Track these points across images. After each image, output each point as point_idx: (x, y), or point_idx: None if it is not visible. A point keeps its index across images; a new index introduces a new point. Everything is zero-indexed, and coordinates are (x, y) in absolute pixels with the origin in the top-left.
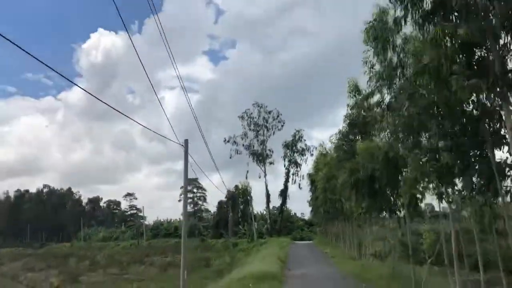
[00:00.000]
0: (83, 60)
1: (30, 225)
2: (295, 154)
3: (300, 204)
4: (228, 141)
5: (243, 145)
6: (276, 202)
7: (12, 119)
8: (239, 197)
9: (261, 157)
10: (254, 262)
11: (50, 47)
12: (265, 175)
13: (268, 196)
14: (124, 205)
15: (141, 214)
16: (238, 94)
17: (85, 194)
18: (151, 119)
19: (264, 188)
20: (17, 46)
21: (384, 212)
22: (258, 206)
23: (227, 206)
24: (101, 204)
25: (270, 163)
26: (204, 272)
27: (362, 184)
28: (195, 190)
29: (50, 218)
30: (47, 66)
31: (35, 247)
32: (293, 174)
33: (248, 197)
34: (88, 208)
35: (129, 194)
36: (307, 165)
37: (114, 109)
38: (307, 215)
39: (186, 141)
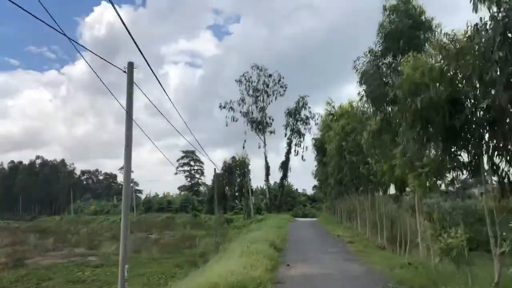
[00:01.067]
0: (86, 33)
1: (23, 197)
2: (298, 123)
3: (302, 180)
4: (224, 107)
5: (240, 112)
6: (276, 176)
7: (16, 93)
8: (236, 170)
9: (260, 126)
10: (235, 253)
11: (52, 20)
12: (265, 145)
13: (267, 168)
14: (121, 178)
15: (137, 187)
16: (242, 69)
17: (86, 168)
18: (155, 94)
19: (263, 160)
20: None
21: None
22: (257, 181)
23: (223, 179)
24: (99, 177)
25: (271, 132)
26: (178, 258)
27: (436, 113)
28: (192, 163)
29: (42, 190)
30: None
31: (25, 220)
32: (295, 145)
33: (246, 170)
34: (82, 180)
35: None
36: (311, 134)
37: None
38: (309, 191)
39: (131, 64)
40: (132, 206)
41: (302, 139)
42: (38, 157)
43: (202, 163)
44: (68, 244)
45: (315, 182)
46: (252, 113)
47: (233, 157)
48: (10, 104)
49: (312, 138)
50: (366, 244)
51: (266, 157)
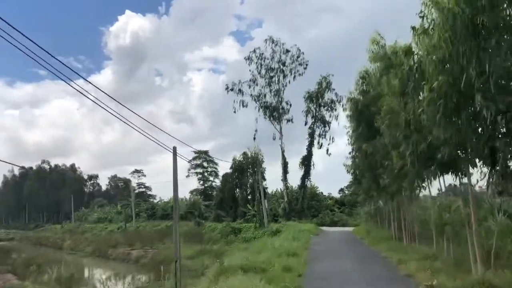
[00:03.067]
0: (111, 43)
1: (31, 204)
2: (322, 109)
3: (325, 183)
4: (232, 89)
5: (251, 95)
6: (295, 176)
7: (44, 102)
8: (248, 168)
9: (275, 112)
10: None
11: (79, 31)
12: (281, 135)
13: (285, 164)
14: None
15: (150, 192)
16: None
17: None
18: (179, 100)
19: (280, 155)
20: None
21: None
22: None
23: (233, 180)
24: (110, 182)
25: (288, 120)
26: None
27: None
28: (205, 164)
29: (49, 197)
30: None
31: (28, 229)
32: (319, 136)
33: (257, 166)
34: (88, 185)
35: (136, 171)
36: (338, 122)
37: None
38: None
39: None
40: (130, 215)
41: (327, 128)
42: (43, 161)
43: (216, 164)
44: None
45: (343, 184)
46: (265, 96)
47: (244, 153)
48: (39, 113)
49: (348, 100)
50: None
51: (283, 151)
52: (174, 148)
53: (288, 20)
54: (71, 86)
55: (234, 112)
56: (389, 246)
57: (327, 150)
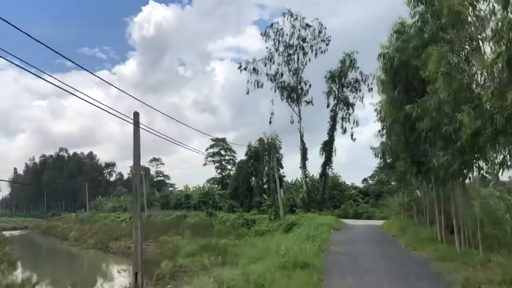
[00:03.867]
0: (135, 33)
1: (49, 192)
2: (345, 89)
3: (348, 173)
4: (245, 68)
5: (267, 74)
6: (315, 164)
7: (70, 93)
8: (264, 155)
9: (293, 93)
10: None
11: (104, 22)
12: (300, 119)
13: (303, 150)
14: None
15: (168, 181)
16: None
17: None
18: (202, 90)
19: (299, 141)
20: None
21: None
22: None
23: (248, 168)
24: (132, 170)
25: (308, 102)
26: None
27: None
28: (222, 152)
29: (66, 185)
30: None
31: (47, 217)
32: (342, 119)
33: (273, 152)
34: (107, 174)
35: (154, 159)
36: (363, 104)
37: None
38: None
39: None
40: (142, 204)
41: (350, 110)
42: (61, 149)
43: (234, 152)
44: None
45: (367, 174)
46: (282, 75)
47: (260, 139)
48: (66, 104)
49: (381, 57)
50: None
51: (301, 135)
52: (135, 114)
53: (311, 8)
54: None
55: (247, 93)
56: (438, 252)
57: (352, 134)
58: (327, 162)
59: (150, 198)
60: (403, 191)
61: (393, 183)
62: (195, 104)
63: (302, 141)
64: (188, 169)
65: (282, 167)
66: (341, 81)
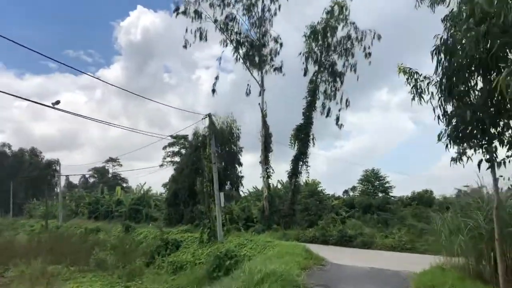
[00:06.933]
0: (121, 38)
1: None
2: (331, 52)
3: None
4: (184, 12)
5: (215, 20)
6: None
7: (53, 95)
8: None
9: (254, 52)
10: None
11: (90, 24)
12: (262, 90)
13: (266, 137)
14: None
15: (126, 184)
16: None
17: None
18: (188, 98)
19: (260, 122)
20: None
21: None
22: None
23: (191, 165)
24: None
25: (275, 68)
26: None
27: None
28: (183, 152)
29: (3, 184)
30: None
31: None
32: (325, 95)
33: (209, 133)
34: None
35: (111, 160)
36: (357, 76)
37: None
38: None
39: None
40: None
41: (338, 83)
42: (4, 144)
43: None
44: None
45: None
46: (237, 21)
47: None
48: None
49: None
50: None
51: (263, 115)
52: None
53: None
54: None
55: (185, 47)
56: None
57: (337, 119)
58: (301, 156)
59: (79, 203)
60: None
61: None
62: (179, 111)
63: (264, 123)
64: (149, 171)
65: (240, 165)
66: (327, 39)
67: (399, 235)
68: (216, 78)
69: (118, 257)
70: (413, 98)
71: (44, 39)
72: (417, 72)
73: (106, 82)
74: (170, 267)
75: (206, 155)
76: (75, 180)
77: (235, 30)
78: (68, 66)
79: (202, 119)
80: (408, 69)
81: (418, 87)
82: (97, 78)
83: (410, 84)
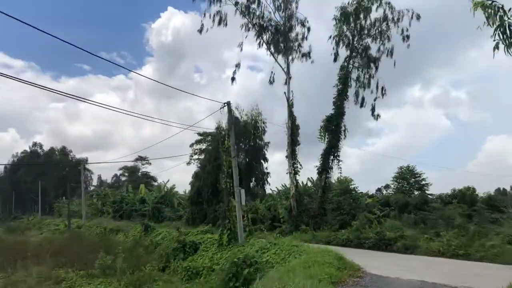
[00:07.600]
0: (153, 39)
1: (18, 193)
2: (365, 36)
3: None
4: None
5: (236, 3)
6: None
7: (87, 96)
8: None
9: (280, 37)
10: None
11: (122, 27)
12: (288, 78)
13: (293, 129)
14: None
15: (155, 183)
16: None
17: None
18: (218, 97)
19: (286, 114)
20: None
21: None
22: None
23: (213, 161)
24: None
25: (303, 54)
26: None
27: None
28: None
29: (35, 184)
30: None
31: (9, 220)
32: (357, 82)
33: (228, 124)
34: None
35: (140, 158)
36: (394, 62)
37: None
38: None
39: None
40: (100, 209)
41: (373, 69)
42: (35, 144)
43: None
44: None
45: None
46: (261, 5)
47: (234, 118)
48: (82, 107)
49: None
50: None
51: (290, 105)
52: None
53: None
54: None
55: (200, 32)
56: None
57: (373, 108)
58: (331, 150)
59: (105, 202)
60: None
61: None
62: (210, 110)
63: (290, 113)
64: (179, 169)
65: (266, 160)
66: (359, 21)
67: (447, 237)
68: (237, 65)
69: (128, 262)
70: (496, 47)
71: (78, 41)
72: (503, 8)
73: (147, 77)
74: (185, 273)
75: (225, 148)
76: (109, 178)
77: (257, 13)
78: (120, 66)
79: (221, 108)
80: (490, 2)
81: (507, 27)
82: (146, 77)
83: (492, 25)
